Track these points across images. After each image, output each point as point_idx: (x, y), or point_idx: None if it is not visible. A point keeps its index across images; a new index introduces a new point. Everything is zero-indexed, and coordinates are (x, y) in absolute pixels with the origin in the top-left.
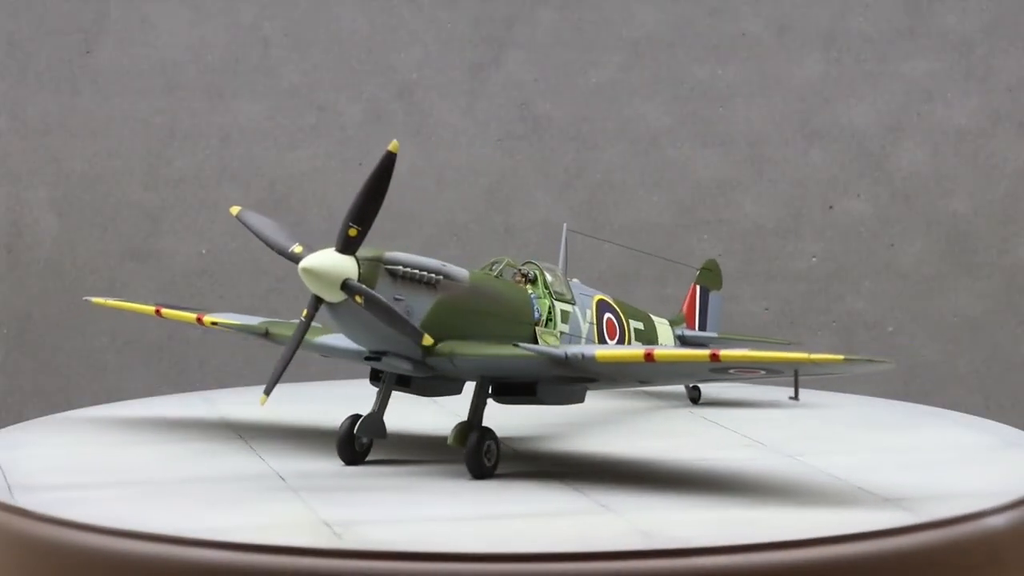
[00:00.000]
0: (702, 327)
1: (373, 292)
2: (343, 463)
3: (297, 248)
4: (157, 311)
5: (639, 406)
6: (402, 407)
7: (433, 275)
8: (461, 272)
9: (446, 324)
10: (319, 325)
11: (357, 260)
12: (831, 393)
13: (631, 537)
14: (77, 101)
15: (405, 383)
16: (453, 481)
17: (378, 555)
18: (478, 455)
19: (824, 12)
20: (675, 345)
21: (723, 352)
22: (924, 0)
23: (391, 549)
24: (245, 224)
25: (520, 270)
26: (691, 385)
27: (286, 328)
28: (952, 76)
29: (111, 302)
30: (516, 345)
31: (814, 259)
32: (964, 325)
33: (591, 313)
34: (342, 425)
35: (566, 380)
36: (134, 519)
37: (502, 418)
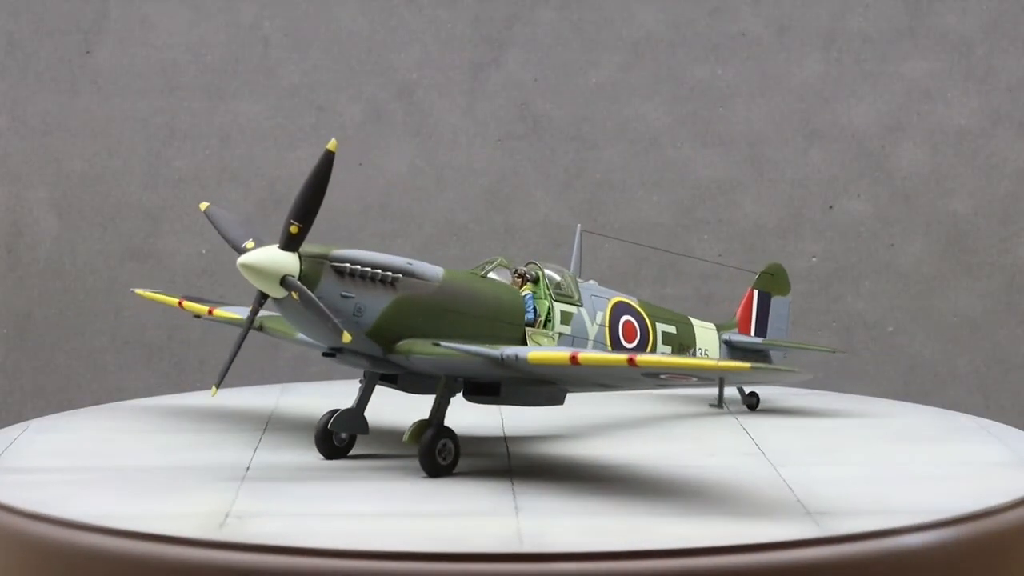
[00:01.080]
0: (761, 332)
1: (303, 287)
2: (323, 457)
3: (249, 244)
4: (180, 303)
5: (682, 411)
6: (410, 403)
7: (391, 273)
8: (431, 271)
9: (408, 322)
10: None
11: (300, 256)
12: (894, 402)
13: (498, 540)
14: (77, 101)
15: (392, 380)
16: (404, 478)
17: (239, 547)
18: (431, 453)
19: (824, 12)
20: (721, 351)
21: (639, 357)
22: (924, 0)
23: (250, 542)
24: (210, 220)
25: (517, 270)
26: (747, 391)
27: (281, 323)
28: (952, 76)
29: (150, 294)
30: (437, 344)
31: (814, 259)
32: (964, 325)
33: (603, 315)
34: (320, 420)
35: (531, 382)
36: (58, 504)
37: (517, 417)
